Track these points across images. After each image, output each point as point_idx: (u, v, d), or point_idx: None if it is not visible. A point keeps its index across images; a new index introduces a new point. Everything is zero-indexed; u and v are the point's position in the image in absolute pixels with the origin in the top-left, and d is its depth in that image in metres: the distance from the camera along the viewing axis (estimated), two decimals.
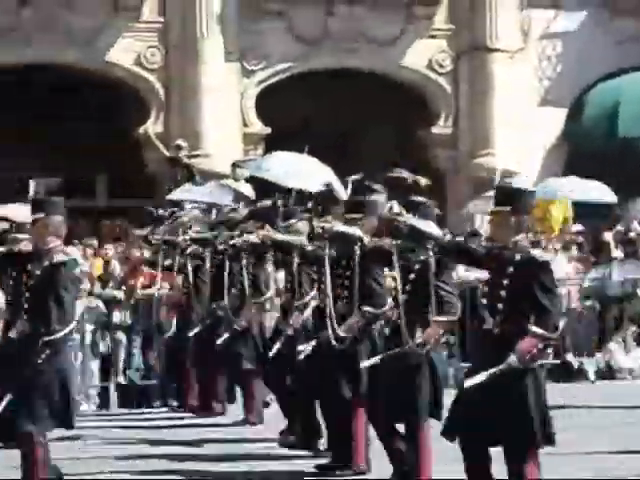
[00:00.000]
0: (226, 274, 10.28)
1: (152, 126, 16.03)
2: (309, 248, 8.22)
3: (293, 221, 9.40)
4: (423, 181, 7.92)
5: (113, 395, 12.65)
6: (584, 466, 7.70)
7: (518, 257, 6.11)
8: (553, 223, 14.87)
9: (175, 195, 14.40)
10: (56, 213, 6.78)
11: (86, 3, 15.67)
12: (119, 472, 8.08)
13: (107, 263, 13.43)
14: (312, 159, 14.07)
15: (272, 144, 15.83)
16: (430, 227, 6.82)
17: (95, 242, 14.13)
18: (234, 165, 14.98)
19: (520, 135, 16.88)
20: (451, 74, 16.99)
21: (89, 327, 12.79)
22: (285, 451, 8.72)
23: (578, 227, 13.10)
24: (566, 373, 13.65)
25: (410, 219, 6.90)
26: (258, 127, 16.37)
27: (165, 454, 8.80)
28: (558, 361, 13.88)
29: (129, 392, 12.79)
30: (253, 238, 9.30)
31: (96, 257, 13.73)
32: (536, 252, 6.22)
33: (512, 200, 6.18)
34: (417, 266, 7.03)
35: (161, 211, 11.91)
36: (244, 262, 10.06)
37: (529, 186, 7.80)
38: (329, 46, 16.62)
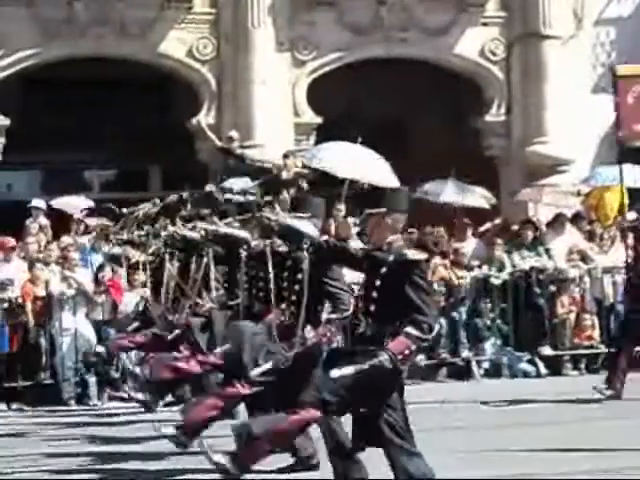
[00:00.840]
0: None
1: (204, 117, 16.10)
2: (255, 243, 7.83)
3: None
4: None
5: None
6: None
7: (391, 258, 5.99)
8: (608, 211, 14.77)
9: (229, 184, 14.50)
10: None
11: None
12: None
13: None
14: (366, 149, 14.07)
15: (323, 134, 15.86)
16: (305, 226, 6.70)
17: None
18: (286, 155, 15.03)
19: (573, 123, 16.75)
20: (503, 62, 16.88)
21: None
22: None
23: (633, 215, 12.97)
24: None
25: (284, 218, 6.79)
26: (309, 117, 16.38)
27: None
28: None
29: None
30: (190, 233, 8.71)
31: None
32: (409, 252, 6.04)
33: (385, 201, 6.11)
34: (305, 265, 6.93)
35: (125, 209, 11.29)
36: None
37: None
38: (380, 35, 16.57)
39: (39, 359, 12.38)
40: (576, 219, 15.17)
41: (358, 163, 13.84)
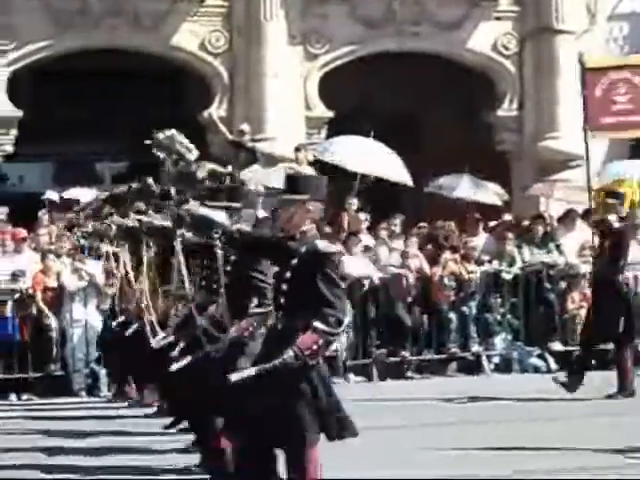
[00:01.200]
0: None
1: (216, 110, 16.11)
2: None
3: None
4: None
5: None
6: None
7: (303, 249, 5.80)
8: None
9: (241, 176, 14.51)
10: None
11: None
12: None
13: None
14: (378, 144, 14.08)
15: (335, 128, 15.86)
16: (217, 215, 6.49)
17: None
18: (297, 149, 15.04)
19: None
20: (516, 56, 16.85)
21: None
22: None
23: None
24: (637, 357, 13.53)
25: (196, 207, 6.60)
26: (321, 110, 16.37)
27: None
28: None
29: None
30: (128, 222, 8.36)
31: None
32: (321, 243, 5.83)
33: (300, 189, 5.87)
34: (233, 257, 6.76)
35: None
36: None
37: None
38: (393, 29, 16.55)
39: (50, 350, 12.41)
40: (587, 215, 15.13)
41: (370, 157, 13.88)
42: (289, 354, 5.63)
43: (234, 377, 5.68)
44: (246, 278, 6.84)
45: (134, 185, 9.03)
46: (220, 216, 6.51)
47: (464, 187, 14.94)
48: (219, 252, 6.59)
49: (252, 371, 5.68)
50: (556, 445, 8.11)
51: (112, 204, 9.44)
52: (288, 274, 5.80)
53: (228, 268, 6.90)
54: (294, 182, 6.01)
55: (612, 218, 10.94)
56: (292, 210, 5.87)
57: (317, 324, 5.68)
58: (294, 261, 5.80)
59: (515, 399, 10.86)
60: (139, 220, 7.77)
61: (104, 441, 8.98)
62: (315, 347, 5.67)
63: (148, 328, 7.57)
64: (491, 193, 15.23)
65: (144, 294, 7.92)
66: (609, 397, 10.72)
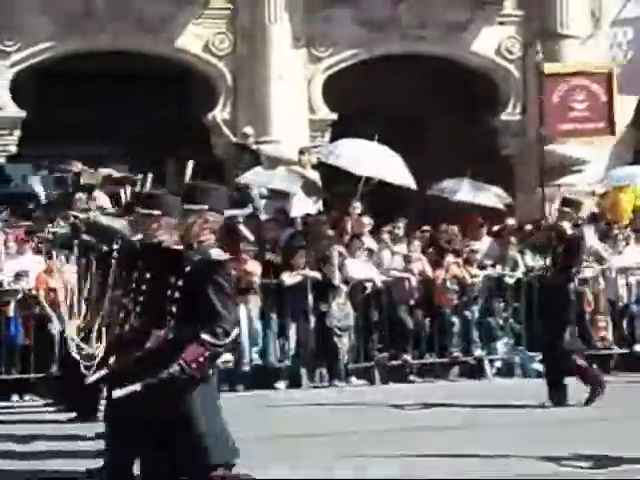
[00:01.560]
0: None
1: (220, 112, 16.13)
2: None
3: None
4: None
5: None
6: None
7: (196, 257, 5.75)
8: (623, 212, 14.75)
9: (244, 178, 14.54)
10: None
11: None
12: None
13: None
14: (382, 147, 14.09)
15: (339, 130, 15.87)
16: (119, 224, 6.41)
17: None
18: (301, 151, 15.05)
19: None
20: (520, 60, 16.87)
21: None
22: None
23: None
24: (635, 363, 13.54)
25: (95, 216, 6.53)
26: (325, 113, 16.39)
27: None
28: (628, 351, 13.80)
29: None
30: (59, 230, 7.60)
31: None
32: (215, 251, 5.79)
33: (199, 199, 5.85)
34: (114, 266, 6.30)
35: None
36: None
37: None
38: (397, 32, 16.57)
39: (52, 351, 12.41)
40: (591, 220, 15.13)
41: (374, 160, 13.89)
42: (175, 367, 5.54)
43: (118, 393, 5.57)
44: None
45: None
46: (120, 224, 6.42)
47: (465, 190, 14.95)
48: (114, 261, 6.23)
49: (137, 386, 5.55)
50: (558, 449, 8.10)
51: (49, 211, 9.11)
52: (180, 282, 5.72)
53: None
54: (193, 192, 5.95)
55: (566, 225, 10.77)
56: (191, 220, 5.84)
57: (204, 335, 5.58)
58: (187, 268, 5.72)
59: (517, 405, 10.86)
60: (77, 220, 7.17)
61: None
62: (201, 359, 5.57)
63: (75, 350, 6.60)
64: (492, 196, 15.23)
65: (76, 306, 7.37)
66: (586, 404, 10.48)
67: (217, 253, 5.77)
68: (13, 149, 15.72)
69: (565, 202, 11.26)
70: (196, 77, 16.67)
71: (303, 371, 12.94)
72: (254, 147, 15.36)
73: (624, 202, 14.77)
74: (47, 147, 16.16)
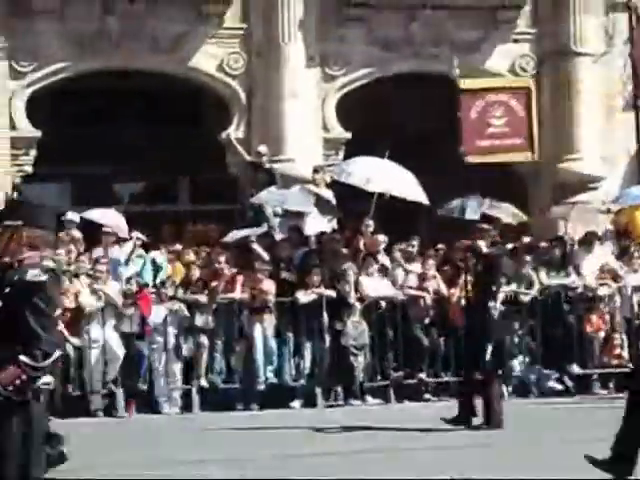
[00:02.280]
0: None
1: (234, 131, 16.15)
2: None
3: None
4: None
5: (195, 398, 12.79)
6: None
7: (16, 277, 5.59)
8: (639, 229, 14.71)
9: (258, 198, 14.55)
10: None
11: (170, 10, 15.85)
12: None
13: (188, 267, 13.59)
14: (394, 164, 14.08)
15: (353, 149, 15.86)
16: None
17: (179, 247, 14.27)
18: (315, 170, 15.05)
19: (604, 140, 16.68)
20: (534, 78, 16.85)
21: (172, 330, 12.96)
22: None
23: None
24: None
25: None
26: (338, 132, 16.40)
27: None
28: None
29: (211, 395, 12.92)
30: None
31: (178, 261, 13.88)
32: (32, 272, 5.59)
33: (18, 215, 5.66)
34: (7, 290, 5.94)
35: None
36: None
37: None
38: (410, 51, 16.58)
39: (67, 371, 12.41)
40: (606, 237, 15.09)
41: (386, 176, 13.88)
42: None
43: None
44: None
45: None
46: None
47: (475, 208, 14.88)
48: None
49: None
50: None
51: None
52: (0, 302, 5.60)
53: None
54: (14, 208, 5.83)
55: (481, 243, 10.57)
56: (6, 236, 5.68)
57: (22, 357, 5.49)
58: (7, 289, 5.60)
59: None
60: None
61: None
62: (18, 382, 5.48)
63: None
64: (504, 213, 15.17)
65: None
66: (475, 428, 10.25)
67: (33, 274, 5.61)
68: (29, 169, 15.77)
69: (485, 219, 11.08)
70: (210, 96, 16.71)
71: (318, 390, 12.91)
72: (268, 166, 15.37)
73: (639, 220, 14.73)
74: (62, 166, 16.21)
